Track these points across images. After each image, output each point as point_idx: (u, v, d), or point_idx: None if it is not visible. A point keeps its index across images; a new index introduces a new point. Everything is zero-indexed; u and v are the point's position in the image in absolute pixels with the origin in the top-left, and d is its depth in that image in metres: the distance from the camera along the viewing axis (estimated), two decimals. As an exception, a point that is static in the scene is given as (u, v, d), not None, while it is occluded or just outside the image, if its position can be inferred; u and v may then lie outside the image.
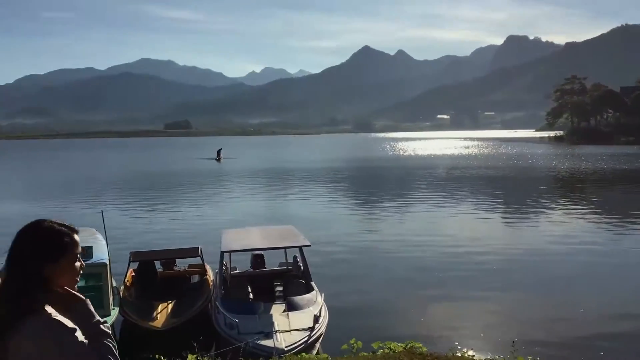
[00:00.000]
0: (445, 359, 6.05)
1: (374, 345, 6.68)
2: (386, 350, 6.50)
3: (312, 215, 23.74)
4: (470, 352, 7.05)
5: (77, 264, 2.11)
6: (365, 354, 6.47)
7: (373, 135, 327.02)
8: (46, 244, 2.03)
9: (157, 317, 9.10)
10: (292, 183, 39.72)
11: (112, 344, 2.09)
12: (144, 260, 11.52)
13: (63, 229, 2.09)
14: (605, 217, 23.58)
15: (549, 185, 38.82)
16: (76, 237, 2.12)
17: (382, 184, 40.14)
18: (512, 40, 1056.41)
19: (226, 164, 62.17)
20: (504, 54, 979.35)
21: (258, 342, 7.61)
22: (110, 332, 2.12)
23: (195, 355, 6.49)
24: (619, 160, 58.33)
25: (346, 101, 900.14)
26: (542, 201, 29.17)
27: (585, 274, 13.87)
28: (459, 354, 6.62)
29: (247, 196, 32.34)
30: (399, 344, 6.72)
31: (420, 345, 6.77)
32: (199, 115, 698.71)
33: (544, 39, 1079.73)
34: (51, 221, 2.09)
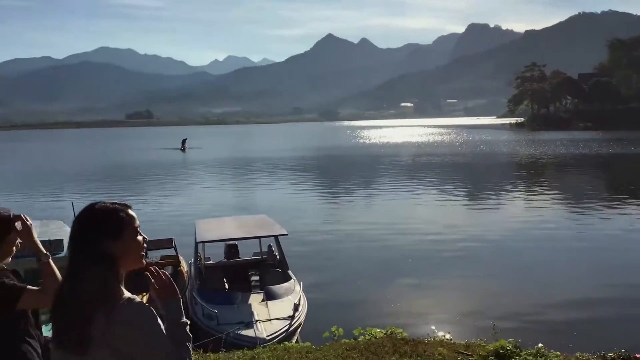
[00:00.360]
0: (427, 344, 6.15)
1: (355, 332, 6.75)
2: (367, 337, 6.58)
3: (283, 204, 23.71)
4: (448, 336, 7.18)
5: (140, 237, 2.10)
6: (347, 340, 6.52)
7: (338, 123, 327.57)
8: (105, 222, 2.01)
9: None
10: (260, 172, 39.55)
11: (190, 350, 2.06)
12: None
13: (116, 205, 2.08)
14: (567, 202, 24.23)
15: (513, 171, 39.62)
16: (131, 211, 2.10)
17: (350, 172, 40.30)
18: (473, 28, 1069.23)
19: (192, 154, 61.43)
20: (466, 42, 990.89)
21: (239, 332, 7.58)
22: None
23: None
24: (577, 146, 59.85)
25: (311, 90, 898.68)
26: (507, 187, 29.75)
27: (551, 257, 14.23)
28: (438, 339, 6.73)
29: (216, 186, 32.05)
30: (380, 330, 6.81)
31: (401, 330, 6.87)
32: (161, 104, 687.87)
33: (504, 27, 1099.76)
34: (102, 202, 2.09)
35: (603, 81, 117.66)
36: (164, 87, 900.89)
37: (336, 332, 6.79)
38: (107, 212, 2.04)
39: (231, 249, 11.32)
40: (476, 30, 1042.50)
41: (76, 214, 2.06)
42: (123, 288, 2.01)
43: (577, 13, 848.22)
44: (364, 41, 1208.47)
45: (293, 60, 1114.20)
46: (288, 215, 19.28)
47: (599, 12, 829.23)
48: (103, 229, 2.01)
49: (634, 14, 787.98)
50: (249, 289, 9.68)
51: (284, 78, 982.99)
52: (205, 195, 27.86)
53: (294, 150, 65.40)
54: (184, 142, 71.17)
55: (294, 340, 7.57)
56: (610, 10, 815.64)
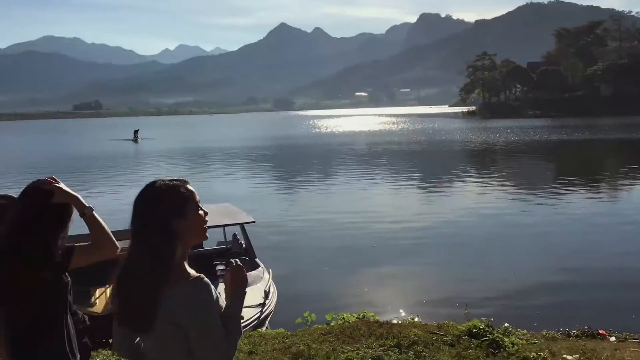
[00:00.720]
0: (401, 325, 6.20)
1: (328, 317, 6.75)
2: (340, 321, 6.59)
3: (243, 193, 23.51)
4: (417, 319, 7.27)
5: (201, 212, 2.11)
6: (320, 326, 6.52)
7: (294, 113, 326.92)
8: (168, 200, 2.03)
9: (96, 303, 8.73)
10: (217, 162, 39.10)
11: (236, 346, 2.10)
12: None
13: (176, 182, 2.10)
14: (521, 187, 24.90)
15: (467, 158, 40.44)
16: (190, 187, 2.13)
17: (309, 161, 40.26)
18: (424, 18, 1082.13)
19: (145, 145, 60.14)
20: (418, 32, 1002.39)
21: None
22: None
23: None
24: (528, 133, 61.48)
25: (265, 79, 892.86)
26: (463, 173, 30.35)
27: (509, 241, 14.60)
28: (409, 321, 6.81)
29: (173, 176, 31.50)
30: (352, 314, 6.83)
31: (372, 314, 6.92)
32: (110, 95, 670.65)
33: (455, 17, 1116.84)
34: (162, 179, 2.11)
35: (551, 70, 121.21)
36: (113, 77, 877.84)
37: (308, 317, 6.77)
38: (169, 189, 2.06)
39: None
40: (428, 20, 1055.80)
41: (138, 195, 2.08)
42: (187, 265, 2.04)
43: (525, 3, 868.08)
44: (318, 30, 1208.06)
45: (246, 49, 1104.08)
46: (249, 205, 19.11)
47: (545, 2, 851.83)
48: (167, 206, 2.02)
49: (579, 4, 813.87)
50: (215, 279, 9.54)
51: (237, 67, 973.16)
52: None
53: (251, 140, 64.93)
54: (136, 132, 69.56)
55: (264, 329, 7.51)
56: (556, 0, 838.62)
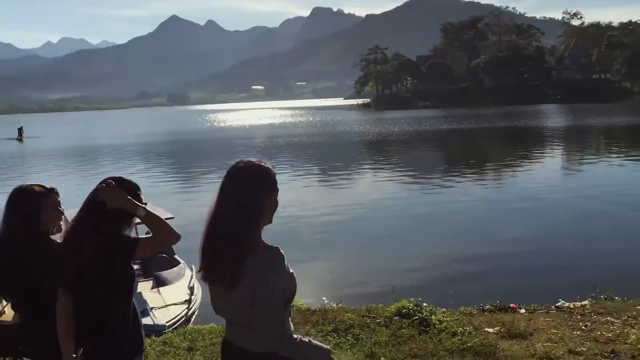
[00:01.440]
0: (333, 311, 6.33)
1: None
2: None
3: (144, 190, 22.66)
4: (341, 304, 7.44)
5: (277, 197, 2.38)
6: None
7: (189, 107, 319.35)
8: (264, 178, 2.33)
9: (4, 311, 8.14)
10: (111, 160, 37.39)
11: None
12: None
13: (268, 164, 2.40)
14: (419, 174, 26.01)
15: (367, 148, 41.61)
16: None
17: (207, 156, 39.52)
18: (317, 12, 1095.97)
19: (31, 144, 56.25)
20: (311, 26, 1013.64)
21: None
22: None
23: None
24: (419, 123, 64.17)
25: (157, 73, 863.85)
26: (363, 163, 31.22)
27: (413, 226, 15.25)
28: (338, 307, 6.96)
29: (66, 176, 29.79)
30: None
31: (302, 302, 7.00)
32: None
33: (346, 11, 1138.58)
34: (252, 160, 2.40)
35: (438, 63, 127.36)
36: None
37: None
38: (265, 169, 2.35)
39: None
40: (320, 14, 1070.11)
41: (233, 169, 2.35)
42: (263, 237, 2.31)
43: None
44: (211, 23, 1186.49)
45: (136, 42, 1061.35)
46: (151, 202, 18.50)
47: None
48: (262, 183, 2.31)
49: None
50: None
51: (127, 61, 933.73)
52: (56, 186, 25.72)
53: (145, 136, 62.60)
54: (20, 130, 64.75)
55: (189, 326, 7.37)
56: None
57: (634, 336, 5.46)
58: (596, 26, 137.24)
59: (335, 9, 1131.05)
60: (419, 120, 70.46)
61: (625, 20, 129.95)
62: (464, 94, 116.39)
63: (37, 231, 3.04)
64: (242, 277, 2.22)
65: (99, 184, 2.87)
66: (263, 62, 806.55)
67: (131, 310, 2.85)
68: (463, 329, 5.63)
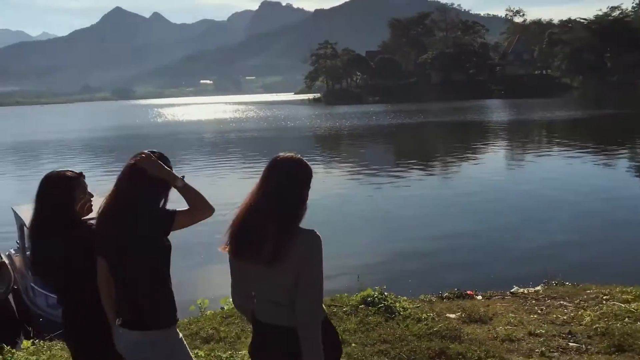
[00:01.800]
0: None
1: (222, 302, 6.68)
2: (231, 306, 6.56)
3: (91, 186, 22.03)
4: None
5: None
6: (216, 311, 6.45)
7: (134, 102, 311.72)
8: (307, 171, 2.60)
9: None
10: (53, 156, 36.24)
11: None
12: None
13: (305, 161, 2.64)
14: (370, 168, 26.32)
15: (319, 142, 41.74)
16: None
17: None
18: (266, 6, 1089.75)
19: (-33, 140, 53.77)
20: (260, 20, 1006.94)
21: None
22: None
23: (30, 341, 5.78)
24: (369, 118, 64.83)
25: (101, 67, 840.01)
26: (316, 158, 31.26)
27: (369, 219, 15.47)
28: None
29: (10, 172, 28.78)
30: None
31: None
32: None
33: (295, 6, 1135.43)
34: (297, 154, 2.64)
35: (387, 58, 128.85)
36: None
37: (202, 304, 6.65)
38: (307, 165, 2.61)
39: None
40: (269, 8, 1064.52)
41: (284, 161, 2.57)
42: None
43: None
44: (157, 15, 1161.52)
45: (78, 34, 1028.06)
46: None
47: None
48: (306, 176, 2.59)
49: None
50: None
51: (68, 54, 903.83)
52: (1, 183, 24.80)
53: (89, 131, 60.76)
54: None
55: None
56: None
57: (588, 318, 5.71)
58: (538, 24, 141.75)
59: (284, 3, 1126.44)
60: (369, 115, 71.14)
61: (564, 18, 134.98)
62: (413, 89, 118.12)
63: (71, 215, 3.06)
64: (284, 256, 2.38)
65: (134, 156, 2.90)
66: (211, 56, 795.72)
67: (169, 280, 2.93)
68: (427, 315, 5.76)
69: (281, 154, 2.62)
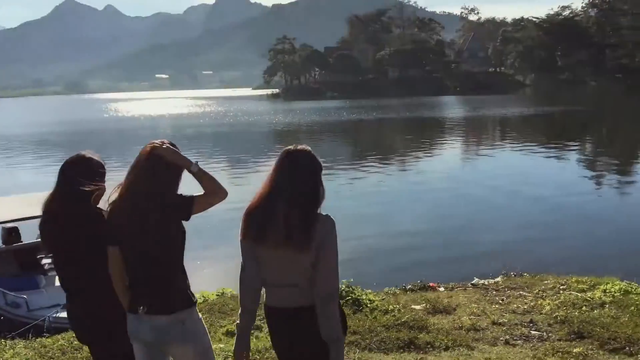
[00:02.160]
0: (263, 295, 6.31)
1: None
2: (200, 299, 6.51)
3: (48, 182, 21.41)
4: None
5: None
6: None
7: (87, 96, 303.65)
8: (318, 161, 2.84)
9: None
10: (8, 151, 35.05)
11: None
12: None
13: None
14: (332, 163, 26.46)
15: (277, 138, 41.61)
16: None
17: (111, 147, 37.89)
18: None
19: None
20: (217, 14, 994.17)
21: (57, 315, 6.85)
22: None
23: (-10, 342, 5.59)
24: (328, 114, 65.00)
25: (52, 60, 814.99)
26: (274, 153, 31.11)
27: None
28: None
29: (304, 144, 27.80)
30: (211, 292, 6.80)
31: (231, 289, 6.95)
32: None
33: (252, 0, 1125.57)
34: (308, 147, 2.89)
35: (345, 54, 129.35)
36: None
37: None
38: (317, 156, 2.85)
39: (11, 232, 9.88)
40: (226, 2, 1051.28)
41: (300, 153, 2.81)
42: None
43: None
44: (110, 8, 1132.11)
45: (28, 26, 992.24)
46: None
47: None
48: (320, 166, 2.84)
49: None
50: (43, 272, 8.71)
51: (17, 46, 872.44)
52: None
53: (40, 125, 58.91)
54: None
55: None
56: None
57: (547, 307, 5.92)
58: (492, 22, 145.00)
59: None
60: (328, 110, 71.29)
61: (517, 17, 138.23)
62: (371, 85, 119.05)
63: (87, 201, 3.14)
64: (312, 240, 2.56)
65: (147, 145, 3.00)
66: (167, 50, 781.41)
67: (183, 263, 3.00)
68: (393, 306, 5.86)
69: (291, 146, 2.84)
